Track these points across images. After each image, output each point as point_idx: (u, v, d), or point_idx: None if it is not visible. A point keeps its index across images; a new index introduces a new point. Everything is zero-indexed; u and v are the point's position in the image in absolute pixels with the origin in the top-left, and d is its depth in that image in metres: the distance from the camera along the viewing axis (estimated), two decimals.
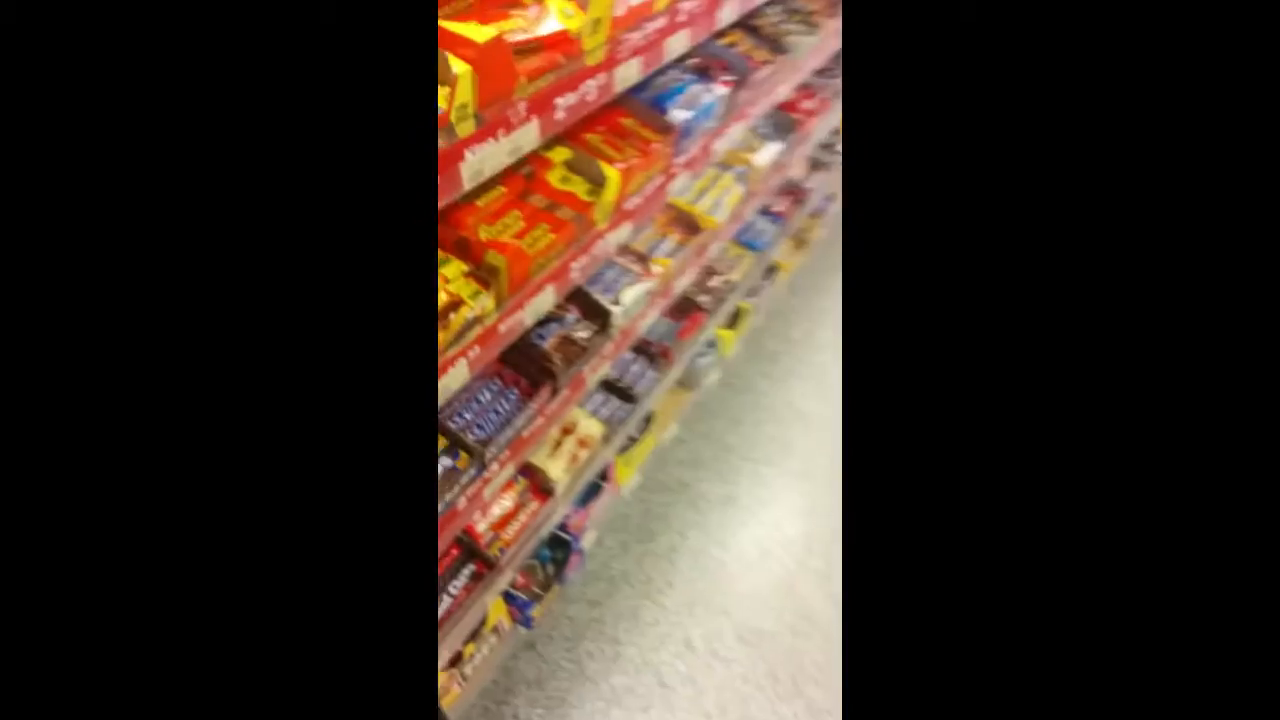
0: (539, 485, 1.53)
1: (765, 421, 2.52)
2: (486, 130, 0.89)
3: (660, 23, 1.19)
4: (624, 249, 1.61)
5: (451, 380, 1.04)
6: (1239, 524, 0.42)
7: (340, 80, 0.44)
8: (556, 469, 1.51)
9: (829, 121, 2.39)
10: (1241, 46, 0.41)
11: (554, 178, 1.24)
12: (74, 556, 0.40)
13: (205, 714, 0.41)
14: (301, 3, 0.43)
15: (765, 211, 2.47)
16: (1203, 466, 0.42)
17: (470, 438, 1.20)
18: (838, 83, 2.32)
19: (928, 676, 0.47)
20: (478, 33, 0.82)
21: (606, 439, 1.66)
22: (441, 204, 0.86)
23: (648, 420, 2.00)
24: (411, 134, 0.46)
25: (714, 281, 2.08)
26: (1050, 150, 0.45)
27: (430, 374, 0.52)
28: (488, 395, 1.29)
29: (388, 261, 0.45)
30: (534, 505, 1.50)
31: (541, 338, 1.35)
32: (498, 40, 0.83)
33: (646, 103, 1.42)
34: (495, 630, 1.57)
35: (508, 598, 1.60)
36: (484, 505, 1.32)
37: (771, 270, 2.68)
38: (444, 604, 1.34)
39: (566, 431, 1.59)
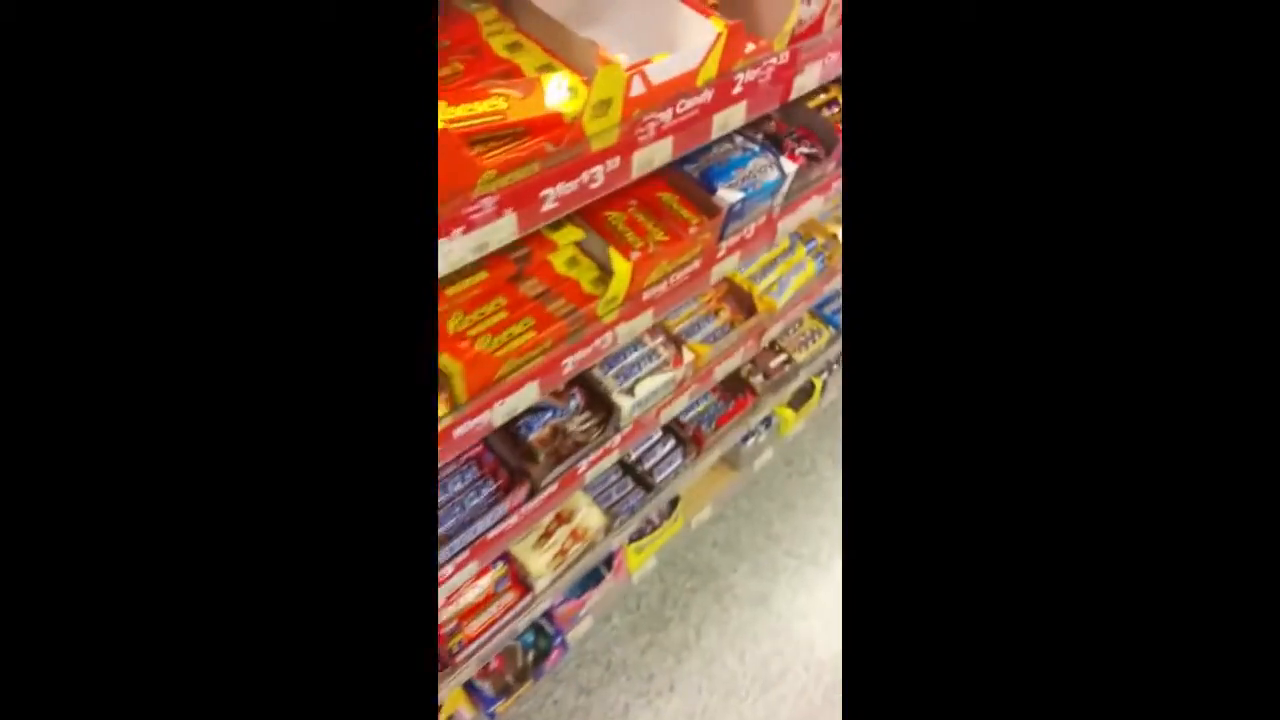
0: (518, 575, 1.40)
1: (822, 512, 2.25)
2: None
3: (704, 97, 1.00)
4: (655, 327, 1.44)
5: None
6: (1239, 531, 0.42)
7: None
8: (539, 563, 1.37)
9: None
10: (1242, 46, 0.41)
11: (559, 260, 1.09)
12: (63, 570, 0.40)
13: None
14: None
15: None
16: (1202, 511, 0.42)
17: None
18: None
19: None
20: None
21: (609, 530, 1.50)
22: None
23: (673, 504, 1.82)
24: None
25: (775, 361, 1.85)
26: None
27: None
28: (459, 485, 1.17)
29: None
30: (509, 597, 1.37)
31: (529, 427, 1.21)
32: (443, 133, 0.69)
33: (694, 177, 1.24)
34: (453, 719, 1.46)
35: (470, 689, 1.48)
36: (448, 595, 1.21)
37: None
38: None
39: (561, 520, 1.44)
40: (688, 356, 1.38)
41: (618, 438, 1.33)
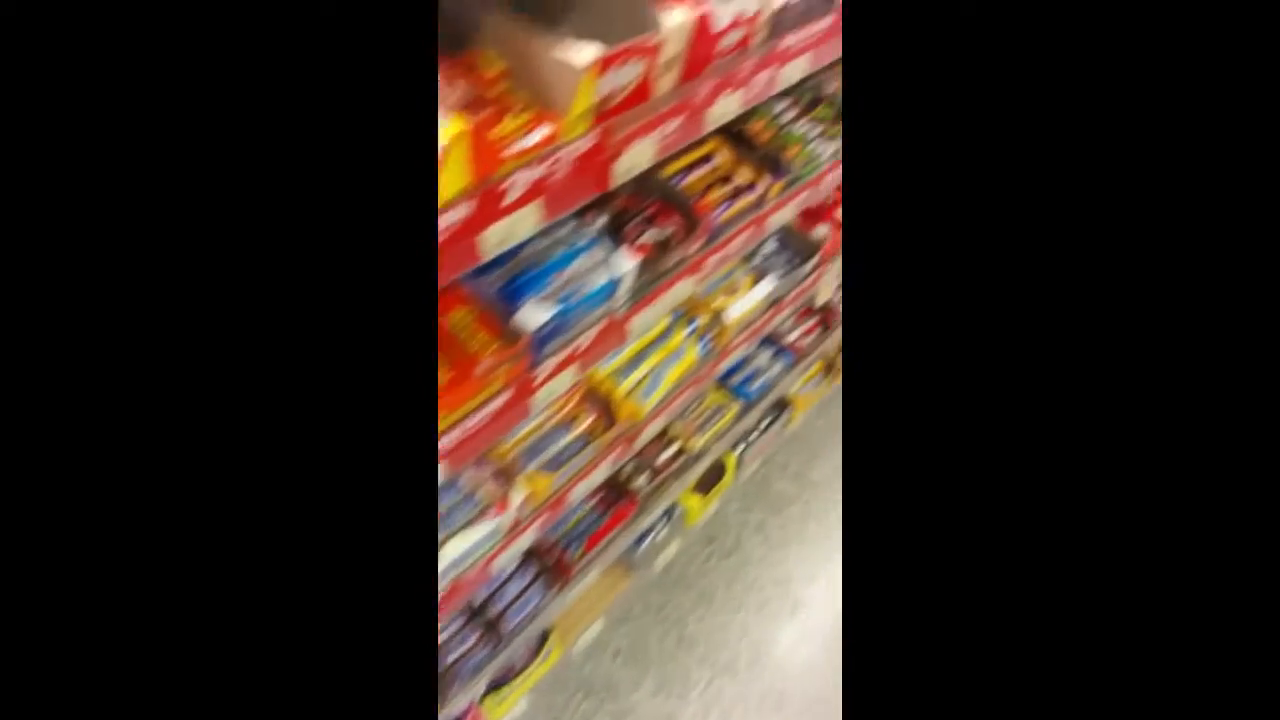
0: None
1: (744, 606, 1.98)
2: None
3: (456, 215, 0.72)
4: (479, 458, 1.15)
5: None
6: (1238, 542, 0.42)
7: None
8: None
9: None
10: (1242, 46, 0.41)
11: None
12: (61, 574, 0.40)
13: None
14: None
15: (772, 343, 1.93)
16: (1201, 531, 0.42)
17: None
18: None
19: None
20: None
21: (444, 701, 1.22)
22: None
23: (543, 638, 1.54)
24: None
25: (665, 454, 1.58)
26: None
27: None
28: None
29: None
30: None
31: None
32: None
33: (495, 289, 0.96)
34: None
35: None
36: None
37: (781, 407, 2.13)
38: None
39: None
40: (516, 498, 1.10)
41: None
